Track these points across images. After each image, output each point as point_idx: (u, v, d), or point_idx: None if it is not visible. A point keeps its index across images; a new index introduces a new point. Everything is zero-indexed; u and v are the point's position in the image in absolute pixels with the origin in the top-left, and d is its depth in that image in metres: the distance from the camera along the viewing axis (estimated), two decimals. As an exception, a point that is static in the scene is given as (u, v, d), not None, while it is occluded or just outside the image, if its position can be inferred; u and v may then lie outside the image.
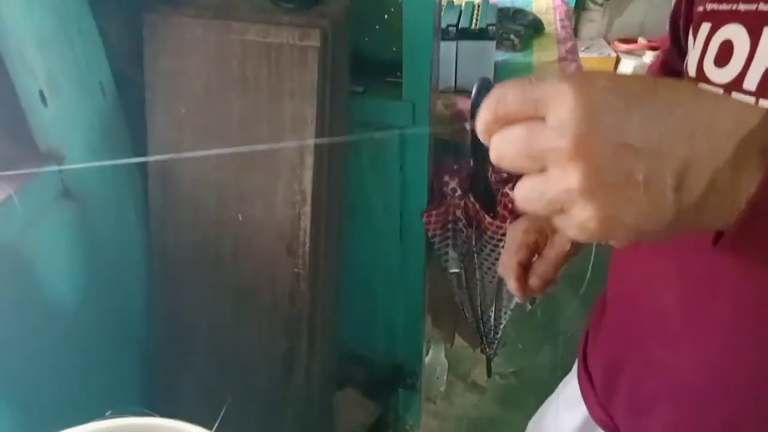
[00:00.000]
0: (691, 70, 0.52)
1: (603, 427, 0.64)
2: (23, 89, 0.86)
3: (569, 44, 1.51)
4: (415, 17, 1.01)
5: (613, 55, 2.67)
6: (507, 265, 0.65)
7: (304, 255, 1.01)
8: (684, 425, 0.53)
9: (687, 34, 0.59)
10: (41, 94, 0.85)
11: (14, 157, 0.88)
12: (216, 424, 0.56)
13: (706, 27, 0.50)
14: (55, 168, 0.86)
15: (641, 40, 2.70)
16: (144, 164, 1.02)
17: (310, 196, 0.98)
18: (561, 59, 1.42)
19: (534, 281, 0.63)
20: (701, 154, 0.28)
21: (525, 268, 0.64)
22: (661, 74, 0.68)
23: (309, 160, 0.96)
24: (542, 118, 0.29)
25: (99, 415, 0.59)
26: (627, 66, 2.62)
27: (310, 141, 0.93)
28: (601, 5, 2.75)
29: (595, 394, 0.65)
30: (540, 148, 0.30)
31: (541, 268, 0.63)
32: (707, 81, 0.49)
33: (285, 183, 0.98)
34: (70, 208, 0.91)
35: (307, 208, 0.98)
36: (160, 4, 0.96)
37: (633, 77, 0.30)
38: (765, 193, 0.28)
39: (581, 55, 1.98)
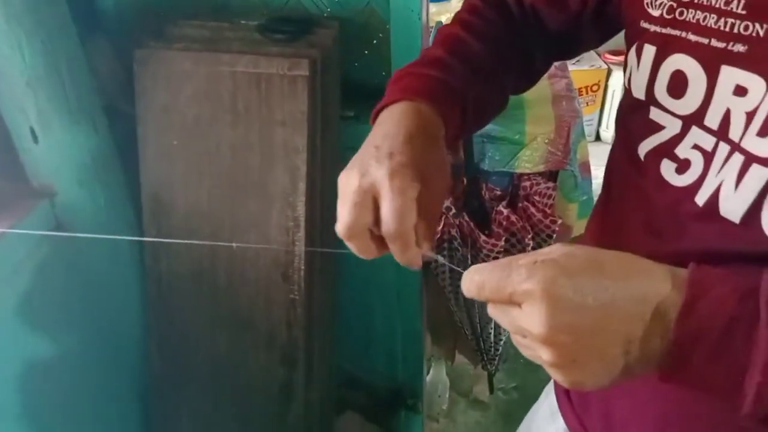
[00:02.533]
0: (638, 92, 0.51)
1: None
2: (14, 127, 0.86)
3: (558, 60, 1.52)
4: (403, 41, 1.02)
5: (604, 66, 2.69)
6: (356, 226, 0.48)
7: (300, 281, 1.01)
8: None
9: (579, 20, 0.60)
10: (32, 131, 0.85)
11: (7, 193, 0.89)
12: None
13: (650, 50, 0.49)
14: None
15: (631, 51, 2.72)
16: (137, 196, 1.02)
17: (304, 221, 0.98)
18: (551, 75, 1.43)
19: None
20: (636, 326, 0.37)
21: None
22: (488, 8, 0.62)
23: (301, 186, 0.97)
24: (518, 304, 0.38)
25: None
26: (618, 78, 2.64)
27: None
28: (591, 17, 2.77)
29: (572, 407, 0.65)
30: (518, 325, 0.39)
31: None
32: (661, 107, 0.49)
33: (278, 210, 0.98)
34: (64, 242, 0.91)
35: (301, 234, 0.99)
36: (150, 39, 0.97)
37: (586, 267, 0.38)
38: (677, 344, 0.37)
39: (572, 68, 1.99)
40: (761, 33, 0.41)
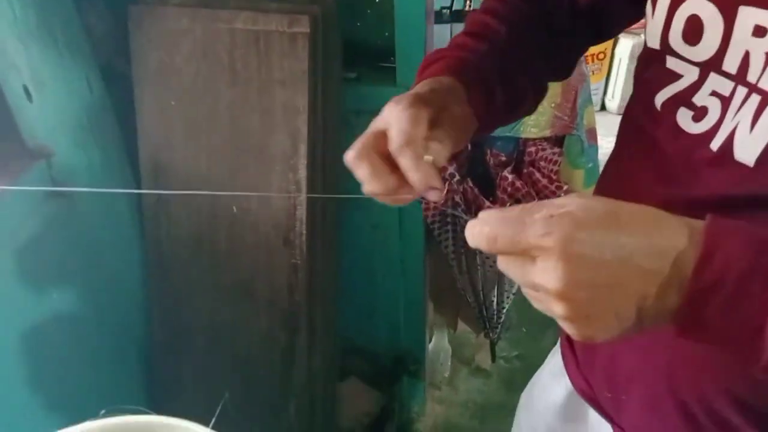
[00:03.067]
0: (653, 42, 0.50)
1: (585, 398, 0.63)
2: (7, 85, 0.84)
3: None
4: (407, 1, 0.99)
5: (611, 33, 2.63)
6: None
7: (301, 246, 0.99)
8: (659, 404, 0.53)
9: None
10: (26, 89, 0.83)
11: (2, 154, 0.87)
12: (213, 420, 0.56)
13: None
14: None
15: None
16: (135, 158, 1.00)
17: (305, 185, 0.96)
18: None
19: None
20: (653, 282, 0.36)
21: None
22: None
23: (302, 148, 0.95)
24: (532, 258, 0.37)
25: (96, 415, 0.58)
26: (625, 45, 2.59)
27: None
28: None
29: (577, 365, 0.64)
30: (531, 280, 0.37)
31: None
32: (678, 56, 0.48)
33: (279, 173, 0.97)
34: (61, 205, 0.89)
35: (303, 198, 0.97)
36: (145, -6, 0.94)
37: (603, 221, 0.36)
38: (692, 297, 0.36)
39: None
40: None
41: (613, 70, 2.71)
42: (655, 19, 0.49)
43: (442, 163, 0.46)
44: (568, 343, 0.67)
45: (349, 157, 0.46)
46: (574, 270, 0.35)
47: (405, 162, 0.44)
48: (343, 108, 1.08)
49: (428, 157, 0.44)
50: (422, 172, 0.44)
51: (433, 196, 0.45)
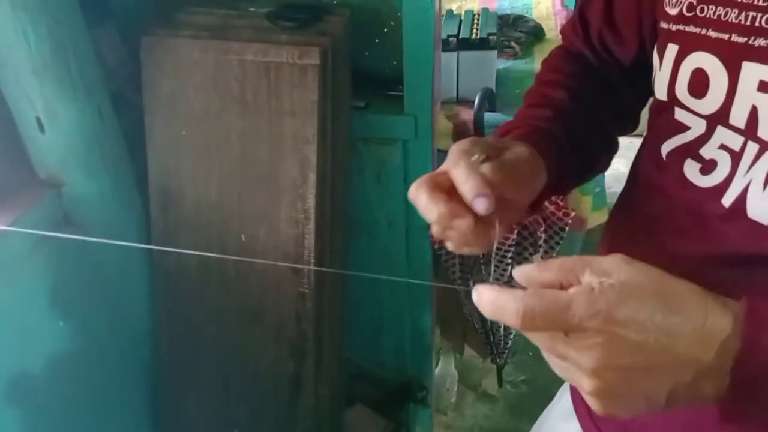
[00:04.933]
0: (661, 93, 0.50)
1: None
2: (20, 116, 0.85)
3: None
4: (414, 30, 1.00)
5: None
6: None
7: (309, 274, 0.99)
8: None
9: (642, 45, 0.57)
10: (38, 120, 0.84)
11: (14, 184, 0.87)
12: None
13: (673, 49, 0.48)
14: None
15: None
16: (145, 187, 1.00)
17: (314, 214, 0.96)
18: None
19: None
20: (688, 370, 0.34)
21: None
22: (566, 63, 0.63)
23: (311, 177, 0.95)
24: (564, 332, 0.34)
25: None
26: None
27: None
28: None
29: (588, 411, 0.63)
30: (563, 353, 0.35)
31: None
32: (685, 107, 0.48)
33: (288, 202, 0.97)
34: (72, 234, 0.90)
35: (311, 227, 0.97)
36: (158, 26, 0.95)
37: (650, 300, 0.34)
38: (738, 389, 0.34)
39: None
40: None
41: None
42: (662, 71, 0.49)
43: (494, 178, 0.44)
44: None
45: (411, 189, 0.45)
46: (614, 353, 0.33)
47: (457, 172, 0.43)
48: (351, 136, 1.08)
49: (481, 166, 0.44)
50: (473, 180, 0.43)
51: (481, 206, 0.42)
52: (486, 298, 0.35)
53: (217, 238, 1.01)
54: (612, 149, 0.62)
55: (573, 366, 0.35)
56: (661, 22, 0.50)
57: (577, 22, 0.63)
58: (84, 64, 0.87)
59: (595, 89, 0.61)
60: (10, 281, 0.81)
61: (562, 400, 0.72)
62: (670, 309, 0.34)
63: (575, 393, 0.67)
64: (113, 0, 0.99)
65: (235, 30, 0.95)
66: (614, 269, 0.34)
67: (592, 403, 0.36)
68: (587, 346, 0.33)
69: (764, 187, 0.42)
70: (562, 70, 0.62)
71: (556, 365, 0.36)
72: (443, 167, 0.46)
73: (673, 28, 0.48)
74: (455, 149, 0.46)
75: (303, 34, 0.93)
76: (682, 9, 0.47)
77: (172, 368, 1.11)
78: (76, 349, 0.94)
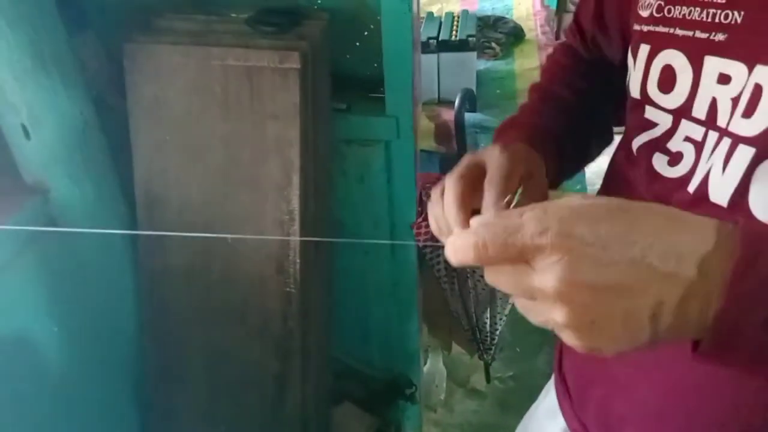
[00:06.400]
0: (634, 92, 0.53)
1: None
2: (6, 124, 0.86)
3: (550, 50, 1.53)
4: (394, 32, 1.01)
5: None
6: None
7: (295, 274, 1.01)
8: None
9: (617, 45, 0.61)
10: (24, 128, 0.85)
11: (1, 190, 0.88)
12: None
13: (645, 49, 0.51)
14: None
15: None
16: (130, 191, 1.02)
17: (298, 215, 0.98)
18: (542, 66, 1.43)
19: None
20: (671, 287, 0.31)
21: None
22: (568, 58, 0.68)
23: (295, 179, 0.97)
24: (526, 262, 0.32)
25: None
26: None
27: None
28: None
29: (571, 404, 0.65)
30: (527, 286, 0.33)
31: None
32: (654, 104, 0.50)
33: (272, 204, 0.98)
34: (56, 238, 0.91)
35: (296, 227, 0.99)
36: (139, 33, 0.96)
37: (608, 215, 0.32)
38: (730, 309, 0.31)
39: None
40: (739, 20, 0.43)
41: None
42: (636, 70, 0.52)
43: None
44: (562, 381, 0.67)
45: (448, 181, 0.47)
46: (575, 268, 0.31)
47: (489, 195, 0.44)
48: (333, 138, 1.10)
49: (510, 198, 0.45)
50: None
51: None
52: (447, 245, 0.35)
53: (202, 239, 1.02)
54: (607, 141, 0.67)
55: (541, 301, 0.33)
56: (635, 24, 0.52)
57: (574, 26, 0.68)
58: (66, 72, 0.88)
59: (595, 84, 0.65)
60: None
61: (548, 398, 0.73)
62: (633, 221, 0.32)
63: (559, 387, 0.68)
64: (93, 8, 1.00)
65: (215, 35, 0.97)
66: (568, 199, 0.33)
67: (571, 338, 0.33)
68: (547, 267, 0.31)
69: (723, 171, 0.44)
70: (564, 66, 0.67)
71: (527, 309, 0.34)
72: (474, 158, 0.48)
73: (645, 29, 0.51)
74: (505, 167, 0.46)
75: (283, 38, 0.95)
76: (652, 11, 0.50)
77: (158, 368, 1.12)
78: (62, 351, 0.95)
